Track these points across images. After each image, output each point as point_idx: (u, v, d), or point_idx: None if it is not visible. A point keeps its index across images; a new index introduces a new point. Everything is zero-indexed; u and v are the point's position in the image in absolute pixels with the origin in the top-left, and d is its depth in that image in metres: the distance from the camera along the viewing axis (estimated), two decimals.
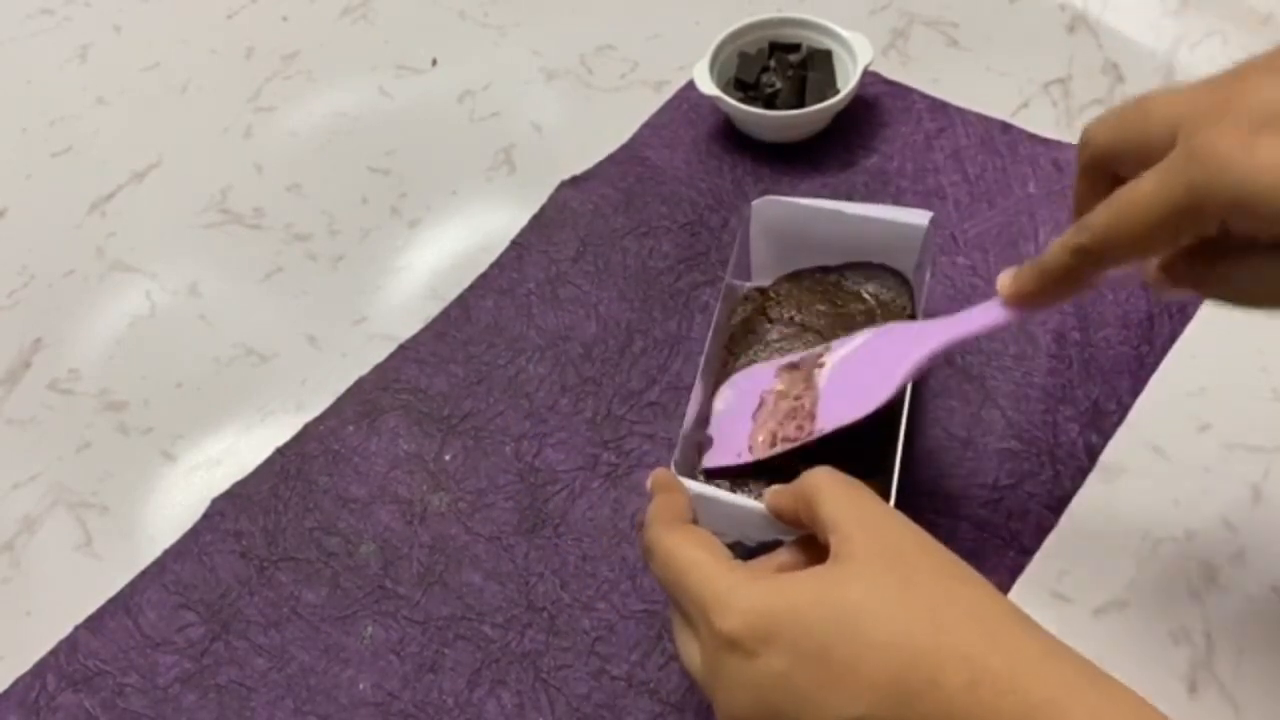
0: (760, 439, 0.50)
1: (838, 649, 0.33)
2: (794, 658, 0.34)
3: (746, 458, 0.50)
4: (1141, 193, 0.36)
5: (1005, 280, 0.44)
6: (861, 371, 0.49)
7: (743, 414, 0.52)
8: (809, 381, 0.51)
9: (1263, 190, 0.33)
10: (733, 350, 0.56)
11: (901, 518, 0.37)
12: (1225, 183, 0.34)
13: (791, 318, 0.56)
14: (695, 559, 0.38)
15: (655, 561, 0.40)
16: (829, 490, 0.38)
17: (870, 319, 0.55)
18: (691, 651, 0.38)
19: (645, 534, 0.41)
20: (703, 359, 0.53)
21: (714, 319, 0.54)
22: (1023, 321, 0.45)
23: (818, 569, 0.36)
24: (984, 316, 0.45)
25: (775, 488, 0.43)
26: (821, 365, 0.51)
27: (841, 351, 0.51)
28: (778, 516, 0.42)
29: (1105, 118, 0.40)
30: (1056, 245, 0.40)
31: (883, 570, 0.35)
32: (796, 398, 0.50)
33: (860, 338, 0.50)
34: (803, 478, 0.40)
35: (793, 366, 0.52)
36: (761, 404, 0.51)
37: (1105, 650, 0.47)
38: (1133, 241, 0.37)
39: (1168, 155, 0.36)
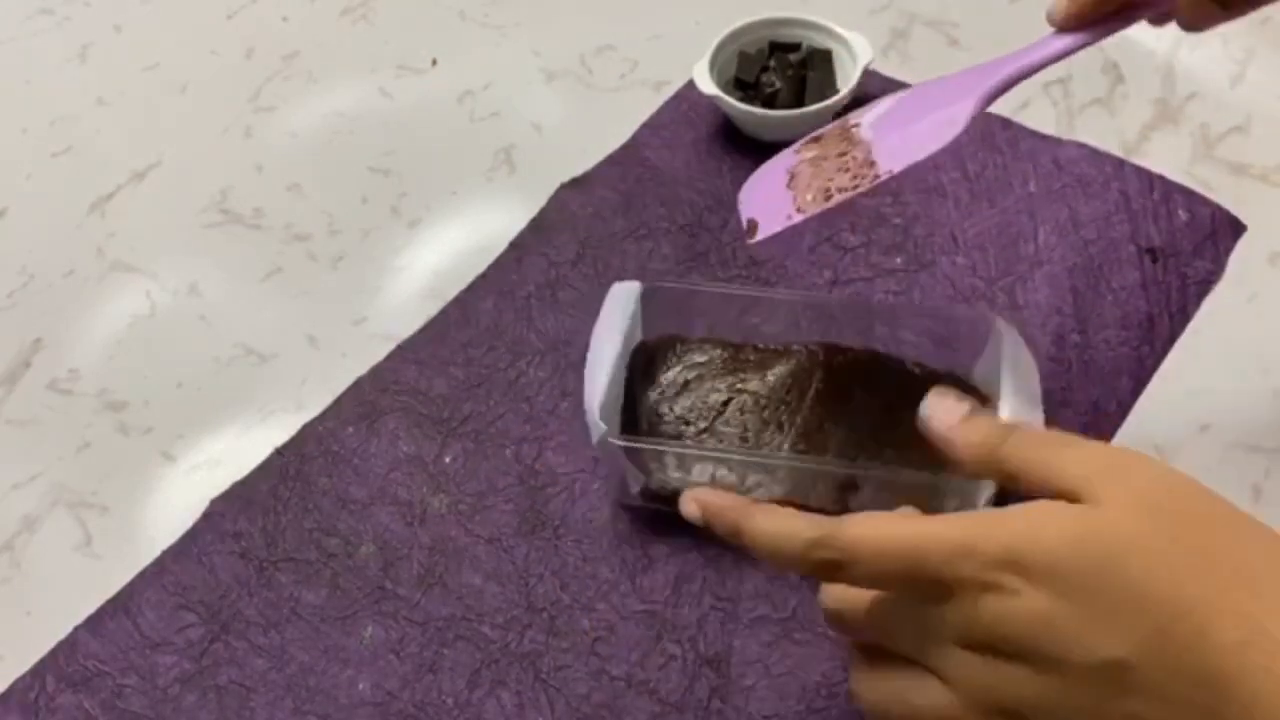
0: (809, 197, 0.43)
1: (1102, 593, 0.32)
2: (1055, 596, 0.32)
3: (798, 218, 0.43)
4: None
5: (1059, 4, 0.44)
6: (920, 107, 0.44)
7: (773, 192, 0.44)
8: (849, 138, 0.44)
9: None
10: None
11: (1151, 460, 0.34)
12: None
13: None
14: (914, 531, 0.35)
15: (864, 562, 0.35)
16: (1065, 447, 0.35)
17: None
18: (931, 625, 0.35)
19: (828, 540, 0.35)
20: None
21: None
22: (1078, 49, 0.44)
23: (1066, 509, 0.34)
24: (1044, 48, 0.43)
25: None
26: (857, 125, 0.45)
27: (877, 109, 0.45)
28: (975, 460, 0.37)
29: None
30: None
31: (1144, 516, 0.33)
32: (840, 154, 0.44)
33: (894, 97, 0.45)
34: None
35: (815, 139, 0.45)
36: (793, 176, 0.44)
37: None
38: None
39: None
